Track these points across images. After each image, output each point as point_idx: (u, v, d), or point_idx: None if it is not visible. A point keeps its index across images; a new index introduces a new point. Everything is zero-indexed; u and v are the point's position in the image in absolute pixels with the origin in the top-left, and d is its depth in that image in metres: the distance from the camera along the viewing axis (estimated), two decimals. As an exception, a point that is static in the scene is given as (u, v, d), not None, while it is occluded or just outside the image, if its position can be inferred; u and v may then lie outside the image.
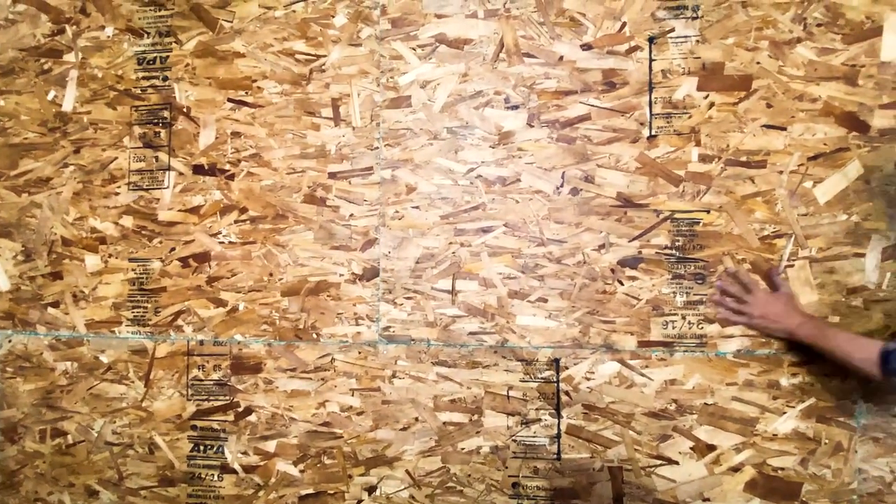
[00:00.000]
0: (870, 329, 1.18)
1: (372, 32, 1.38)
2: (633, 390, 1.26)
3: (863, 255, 1.19)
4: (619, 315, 1.27)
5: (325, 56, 1.41)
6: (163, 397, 1.47)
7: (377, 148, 1.38)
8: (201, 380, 1.45)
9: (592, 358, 1.28)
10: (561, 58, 1.32)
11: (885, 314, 1.18)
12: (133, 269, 1.49)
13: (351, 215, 1.38)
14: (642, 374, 1.26)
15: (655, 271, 1.26)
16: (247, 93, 1.43)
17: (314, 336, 1.39)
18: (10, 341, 1.54)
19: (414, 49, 1.37)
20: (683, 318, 1.25)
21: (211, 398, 1.44)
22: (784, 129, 1.23)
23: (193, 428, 1.45)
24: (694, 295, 1.24)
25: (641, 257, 1.27)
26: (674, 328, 1.25)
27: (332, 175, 1.39)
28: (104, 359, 1.50)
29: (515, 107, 1.33)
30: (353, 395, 1.37)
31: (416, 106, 1.37)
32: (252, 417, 1.42)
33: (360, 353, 1.37)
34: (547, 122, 1.32)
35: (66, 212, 1.52)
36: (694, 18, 1.27)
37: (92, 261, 1.51)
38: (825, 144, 1.21)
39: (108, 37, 1.52)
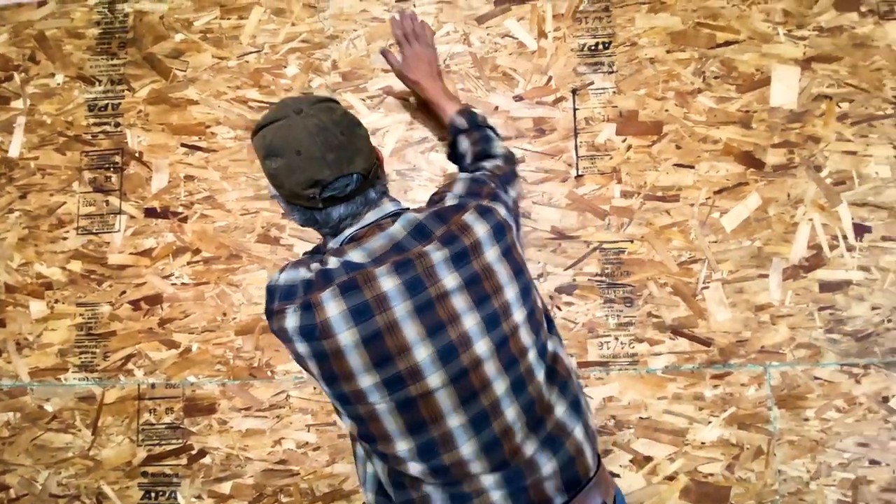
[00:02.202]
0: (778, 342, 1.17)
1: (323, 81, 1.30)
2: (575, 409, 1.19)
3: (766, 276, 1.19)
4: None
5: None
6: (112, 444, 1.27)
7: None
8: (153, 424, 1.26)
9: (537, 380, 1.20)
10: (496, 108, 1.28)
11: (790, 327, 1.17)
12: (81, 314, 1.30)
13: (304, 253, 1.26)
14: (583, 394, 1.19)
15: (589, 297, 1.21)
16: (200, 138, 1.31)
17: (269, 374, 1.24)
18: (-58, 395, 1.30)
19: (364, 100, 1.30)
20: (616, 338, 1.20)
21: (163, 442, 1.25)
22: (692, 167, 1.23)
23: (144, 475, 1.25)
24: (624, 317, 1.20)
25: (576, 284, 1.22)
26: (608, 349, 1.19)
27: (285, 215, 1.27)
28: (49, 407, 1.29)
29: (457, 150, 1.27)
30: (308, 431, 1.22)
31: (366, 150, 1.28)
32: (206, 459, 1.24)
33: (314, 388, 1.23)
34: (486, 163, 1.26)
35: (11, 258, 1.32)
36: (610, 73, 1.27)
37: (37, 307, 1.31)
38: (728, 180, 1.22)
39: (59, 84, 1.36)
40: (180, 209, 1.30)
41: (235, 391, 1.25)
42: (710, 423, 1.17)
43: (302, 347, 0.69)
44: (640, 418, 1.18)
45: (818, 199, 1.21)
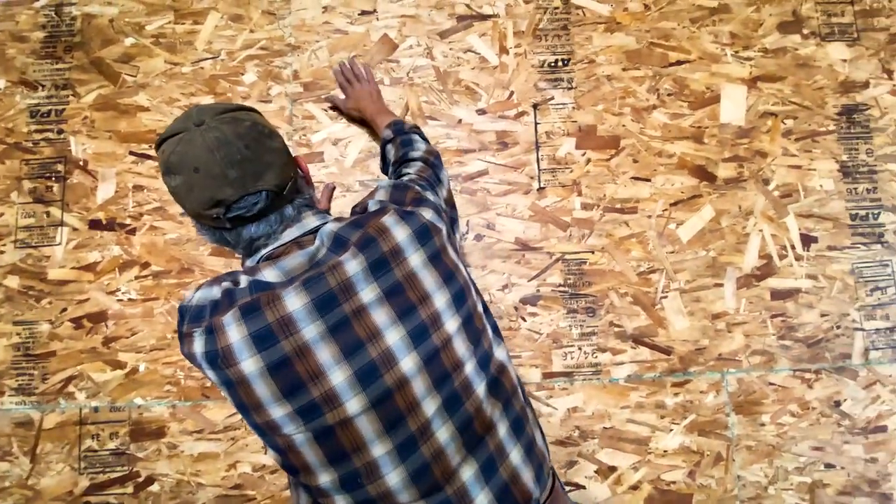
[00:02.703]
0: (734, 349, 1.16)
1: (282, 90, 1.24)
2: (540, 420, 1.15)
3: (722, 285, 1.19)
4: (525, 349, 1.17)
5: (235, 113, 1.23)
6: (51, 473, 1.15)
7: (289, 200, 1.20)
8: (95, 450, 1.14)
9: (502, 393, 1.16)
10: (460, 121, 1.25)
11: (745, 334, 1.17)
12: (18, 334, 1.17)
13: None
14: (548, 405, 1.15)
15: (553, 307, 1.18)
16: (150, 146, 1.22)
17: (222, 394, 1.14)
18: None
19: (325, 110, 1.24)
20: (580, 348, 1.17)
21: (107, 470, 1.14)
22: (649, 180, 1.23)
23: (84, 505, 1.13)
24: (587, 327, 1.18)
25: (540, 295, 1.19)
26: (572, 359, 1.16)
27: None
28: (-22, 435, 1.15)
29: (421, 161, 1.23)
30: (265, 454, 1.13)
31: (329, 161, 1.23)
32: (154, 487, 1.13)
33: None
34: (451, 176, 1.23)
35: (-63, 273, 1.19)
36: (569, 89, 1.26)
37: (-33, 326, 1.17)
38: (682, 192, 1.22)
39: (0, 89, 1.24)
40: (128, 221, 1.20)
41: (187, 413, 1.15)
42: (671, 430, 1.15)
43: (210, 374, 0.62)
44: (604, 428, 1.15)
45: (767, 211, 1.22)
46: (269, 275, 0.62)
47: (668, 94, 1.26)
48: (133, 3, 1.28)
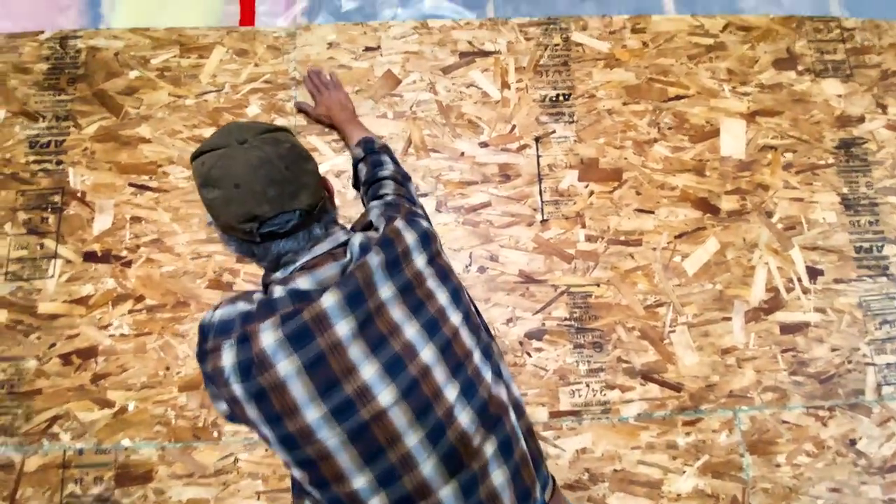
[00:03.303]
0: (745, 385, 1.10)
1: (286, 123, 1.21)
2: (548, 463, 1.07)
3: (730, 319, 1.14)
4: (531, 387, 1.10)
5: (237, 145, 1.19)
6: (28, 520, 1.04)
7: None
8: (78, 496, 1.05)
9: (508, 433, 1.08)
10: (462, 153, 1.22)
11: (756, 370, 1.11)
12: (3, 370, 1.10)
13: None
14: (555, 445, 1.08)
15: (559, 342, 1.12)
16: (151, 177, 1.17)
17: (215, 435, 1.07)
18: None
19: (329, 143, 1.21)
20: (588, 385, 1.11)
21: (88, 517, 1.04)
22: (652, 212, 1.20)
23: (61, 557, 1.02)
24: (594, 363, 1.12)
25: (545, 329, 1.13)
26: (580, 396, 1.10)
27: (241, 259, 1.14)
28: (-47, 479, 1.05)
29: (425, 194, 1.20)
30: (258, 499, 1.05)
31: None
32: (138, 535, 1.03)
33: (266, 450, 1.06)
34: (453, 207, 1.19)
35: (-78, 307, 1.11)
36: (571, 122, 1.24)
37: (-50, 362, 1.09)
38: (686, 225, 1.19)
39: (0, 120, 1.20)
40: (124, 253, 1.14)
41: (176, 455, 1.06)
42: (684, 472, 1.08)
43: (238, 389, 0.60)
44: (615, 470, 1.08)
45: (772, 244, 1.19)
46: (304, 283, 0.63)
47: (669, 128, 1.24)
48: (139, 37, 1.26)
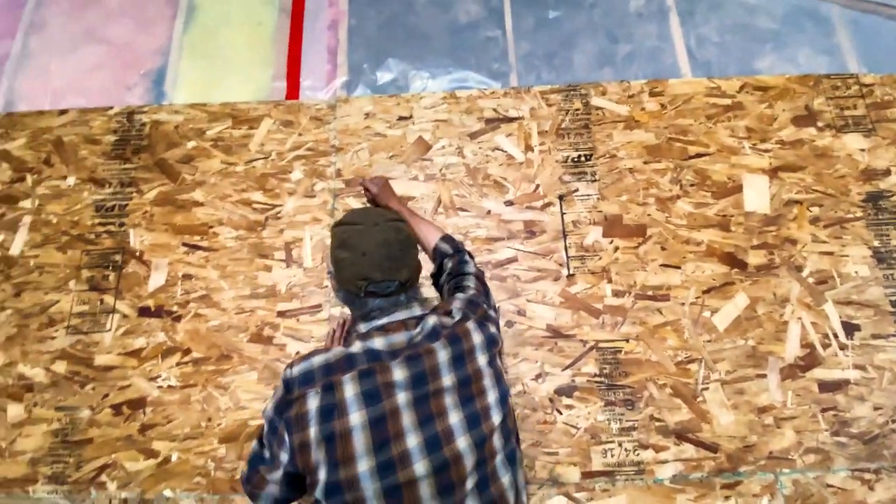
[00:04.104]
0: (785, 446, 1.04)
1: (325, 186, 1.28)
2: (581, 525, 1.03)
3: (765, 376, 1.09)
4: (562, 446, 1.07)
5: (280, 205, 1.27)
6: (71, 569, 1.05)
7: (327, 286, 1.20)
8: (119, 545, 1.06)
9: (540, 493, 1.05)
10: (489, 211, 1.25)
11: (796, 430, 1.06)
12: (59, 419, 1.14)
13: (297, 353, 1.15)
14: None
15: (589, 399, 1.10)
16: (202, 237, 1.25)
17: (252, 487, 1.07)
18: None
19: (365, 204, 1.26)
20: (620, 444, 1.07)
21: (128, 568, 1.04)
22: (679, 267, 1.19)
23: None
24: (626, 421, 1.08)
25: (575, 386, 1.11)
26: (612, 456, 1.06)
27: (281, 314, 1.18)
28: (7, 525, 1.08)
29: (453, 250, 1.22)
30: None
31: (364, 250, 1.22)
32: (174, 589, 1.02)
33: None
34: (480, 263, 1.22)
35: (-7, 358, 1.18)
36: (593, 181, 1.27)
37: (14, 410, 1.16)
38: (714, 280, 1.17)
39: (69, 186, 1.32)
40: (175, 308, 1.20)
41: (214, 507, 1.07)
42: (725, 540, 1.01)
43: (314, 431, 0.70)
44: (651, 535, 1.02)
45: (803, 298, 1.15)
46: (379, 343, 0.76)
47: (691, 185, 1.25)
48: (197, 111, 1.37)
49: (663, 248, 1.21)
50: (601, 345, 1.14)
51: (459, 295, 0.89)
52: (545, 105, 1.34)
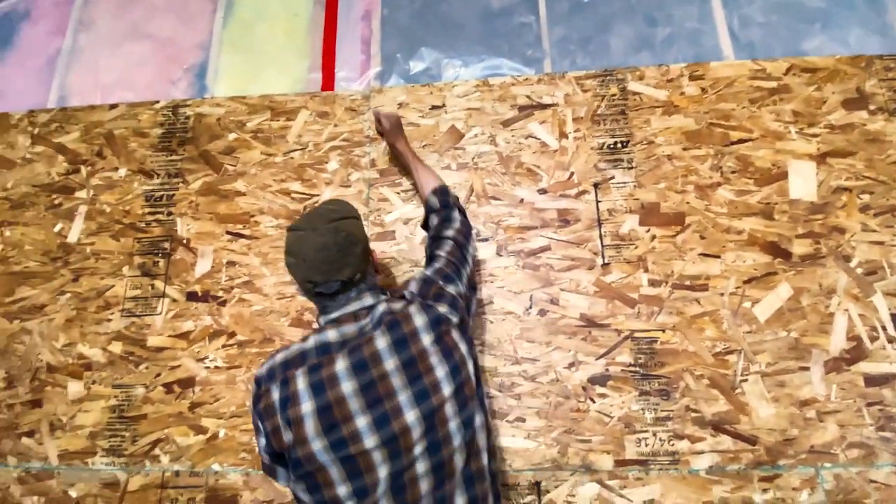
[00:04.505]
0: (827, 441, 1.01)
1: (360, 176, 1.29)
2: (614, 512, 1.03)
3: (808, 369, 1.06)
4: (595, 433, 1.07)
5: (318, 195, 1.29)
6: (130, 534, 1.12)
7: (362, 275, 1.21)
8: (173, 514, 1.12)
9: (572, 480, 1.05)
10: (522, 200, 1.24)
11: (839, 424, 1.02)
12: (116, 396, 1.21)
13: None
14: (621, 495, 1.04)
15: (623, 388, 1.09)
16: (244, 226, 1.28)
17: (294, 465, 1.11)
18: (-30, 478, 1.19)
19: (398, 193, 1.27)
20: (654, 434, 1.06)
21: (181, 535, 1.11)
22: (718, 256, 1.15)
23: (158, 572, 1.09)
24: (661, 411, 1.07)
25: (609, 375, 1.10)
26: (647, 445, 1.05)
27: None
28: (73, 493, 1.18)
29: (486, 239, 1.22)
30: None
31: (400, 239, 1.24)
32: (223, 557, 1.08)
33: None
34: (513, 252, 1.21)
35: (56, 338, 1.26)
36: (630, 168, 1.24)
37: (75, 388, 1.23)
38: (756, 269, 1.13)
39: (121, 177, 1.38)
40: (220, 293, 1.25)
41: (259, 482, 1.12)
42: (763, 532, 0.99)
43: (281, 418, 0.81)
44: (686, 524, 1.01)
45: (851, 290, 1.10)
46: (332, 336, 0.85)
47: (732, 172, 1.20)
48: (237, 104, 1.40)
49: (702, 237, 1.17)
50: (636, 335, 1.13)
51: (418, 274, 0.96)
52: (580, 91, 1.31)
